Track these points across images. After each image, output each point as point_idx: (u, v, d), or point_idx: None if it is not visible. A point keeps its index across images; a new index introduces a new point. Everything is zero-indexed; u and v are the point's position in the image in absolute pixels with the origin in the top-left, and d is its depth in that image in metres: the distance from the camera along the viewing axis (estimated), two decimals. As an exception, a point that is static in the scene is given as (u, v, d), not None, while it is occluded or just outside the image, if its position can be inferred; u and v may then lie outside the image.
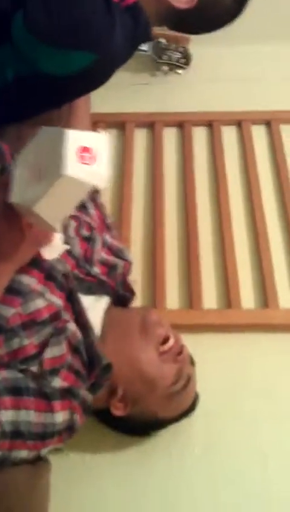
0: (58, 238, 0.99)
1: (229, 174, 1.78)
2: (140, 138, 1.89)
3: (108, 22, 1.12)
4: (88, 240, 1.21)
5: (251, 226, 1.66)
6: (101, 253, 1.24)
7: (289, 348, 1.42)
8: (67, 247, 1.06)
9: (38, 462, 1.01)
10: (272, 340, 1.43)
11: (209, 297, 1.50)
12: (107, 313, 1.16)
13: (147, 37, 1.28)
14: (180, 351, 1.15)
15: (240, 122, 1.91)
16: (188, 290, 1.51)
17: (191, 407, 1.20)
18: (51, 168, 0.81)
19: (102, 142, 0.83)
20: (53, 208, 0.83)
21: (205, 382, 1.24)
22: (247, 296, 1.51)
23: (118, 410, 1.13)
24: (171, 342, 1.14)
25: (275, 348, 1.42)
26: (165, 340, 1.14)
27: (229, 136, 1.90)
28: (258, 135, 1.90)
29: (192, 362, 1.21)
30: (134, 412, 1.13)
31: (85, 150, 0.80)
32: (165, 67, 2.03)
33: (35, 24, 1.08)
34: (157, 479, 1.22)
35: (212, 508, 1.19)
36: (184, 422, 1.22)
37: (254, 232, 1.63)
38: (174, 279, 1.54)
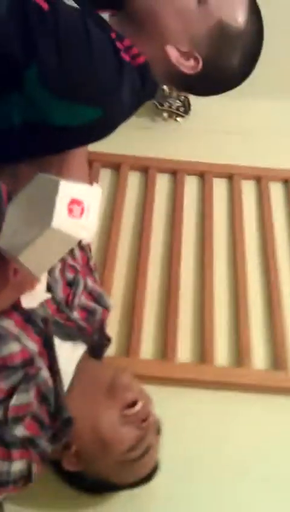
0: (41, 286, 0.98)
1: (216, 227, 1.80)
2: (134, 181, 1.91)
3: (118, 80, 1.14)
4: (71, 284, 1.20)
5: (232, 281, 1.67)
6: (82, 297, 1.24)
7: (258, 409, 1.41)
8: (48, 296, 1.05)
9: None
10: (242, 400, 1.42)
11: (184, 350, 1.50)
12: (81, 363, 1.14)
13: (152, 96, 1.30)
14: (145, 417, 1.09)
15: (231, 176, 1.94)
16: (163, 341, 1.51)
17: (148, 477, 1.15)
18: (40, 218, 0.81)
19: (94, 195, 0.84)
20: (38, 258, 0.83)
21: (171, 436, 1.21)
22: (221, 353, 1.51)
23: (69, 465, 1.10)
24: (137, 406, 1.09)
25: (245, 408, 1.41)
26: (133, 404, 1.09)
27: (219, 188, 1.93)
28: (248, 190, 1.93)
29: (158, 431, 1.16)
30: (86, 470, 1.11)
31: (76, 202, 0.81)
32: (165, 114, 2.07)
33: (48, 78, 1.10)
34: None
35: None
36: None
37: (235, 288, 1.64)
38: (150, 328, 1.54)
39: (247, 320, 1.56)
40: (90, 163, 1.83)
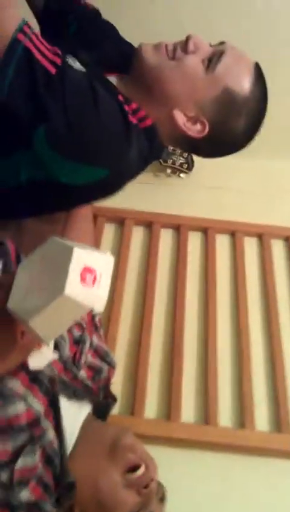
0: (48, 347, 0.98)
1: (219, 283, 1.81)
2: (137, 235, 1.93)
3: (125, 142, 1.16)
4: (78, 343, 1.20)
5: (235, 342, 1.67)
6: (88, 356, 1.23)
7: (261, 472, 1.40)
8: (56, 356, 1.05)
9: None
10: (245, 462, 1.41)
11: (188, 411, 1.49)
12: (85, 423, 1.13)
13: (159, 157, 1.33)
14: (147, 484, 1.06)
15: (234, 232, 1.96)
16: (167, 401, 1.50)
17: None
18: (52, 284, 0.80)
19: (106, 263, 0.84)
20: (48, 324, 0.82)
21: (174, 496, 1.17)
22: (224, 414, 1.50)
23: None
24: (140, 471, 1.05)
25: (247, 470, 1.40)
26: (135, 468, 1.06)
27: (222, 243, 1.95)
28: (250, 246, 1.95)
29: (162, 499, 1.12)
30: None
31: (89, 271, 0.80)
32: (169, 171, 2.10)
33: (56, 140, 1.12)
34: None
35: None
36: None
37: (238, 348, 1.65)
38: (154, 388, 1.53)
39: (250, 381, 1.55)
40: (94, 218, 1.86)
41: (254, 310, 1.77)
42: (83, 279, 0.79)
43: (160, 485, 1.13)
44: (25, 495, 0.96)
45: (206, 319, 1.70)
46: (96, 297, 0.81)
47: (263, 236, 1.96)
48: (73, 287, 0.78)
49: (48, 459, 1.01)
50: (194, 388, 1.55)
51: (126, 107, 1.19)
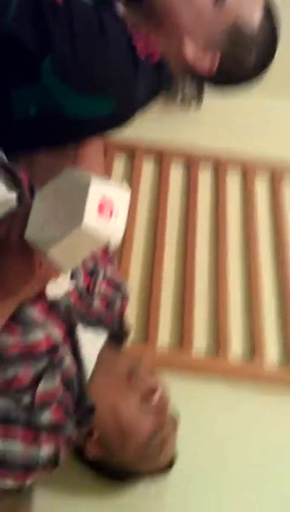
0: (65, 276, 1.00)
1: (230, 214, 1.82)
2: (148, 166, 1.92)
3: (132, 73, 1.15)
4: (92, 274, 1.22)
5: (245, 273, 1.69)
6: (102, 286, 1.25)
7: (272, 401, 1.44)
8: (72, 286, 1.07)
9: (22, 490, 1.02)
10: (256, 391, 1.45)
11: (200, 340, 1.52)
12: (102, 352, 1.16)
13: (167, 90, 1.31)
14: (163, 407, 1.13)
15: (245, 167, 1.95)
16: (179, 330, 1.53)
17: (167, 468, 1.19)
18: (70, 215, 0.81)
19: (123, 195, 0.84)
20: (66, 254, 0.83)
21: (187, 425, 1.22)
22: (235, 345, 1.53)
23: (92, 452, 1.13)
24: (157, 394, 1.12)
25: (259, 399, 1.44)
26: (152, 393, 1.12)
27: (233, 176, 1.94)
28: (261, 182, 1.94)
29: (175, 424, 1.18)
30: (107, 458, 1.14)
31: (106, 202, 0.80)
32: (179, 102, 2.05)
33: (62, 69, 1.11)
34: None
35: None
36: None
37: (248, 280, 1.66)
38: (167, 316, 1.56)
39: (260, 311, 1.58)
40: (104, 149, 1.84)
41: (264, 241, 1.78)
42: (100, 210, 0.79)
43: (173, 413, 1.18)
44: (47, 417, 1.00)
45: (217, 250, 1.71)
46: (113, 230, 0.81)
47: (275, 171, 1.95)
48: (91, 218, 0.78)
49: (67, 384, 1.05)
50: (207, 317, 1.58)
51: (134, 37, 1.17)
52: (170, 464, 1.18)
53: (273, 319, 1.60)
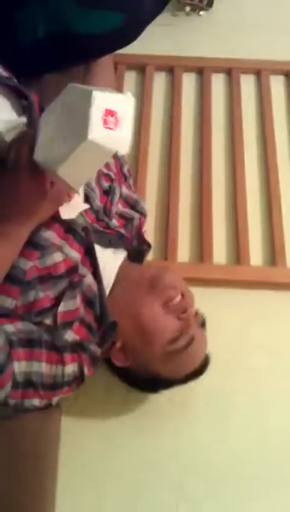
0: (78, 197, 0.99)
1: (245, 124, 1.77)
2: (159, 81, 1.86)
3: None
4: (108, 193, 1.21)
5: (263, 183, 1.66)
6: (118, 205, 1.25)
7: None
8: (86, 206, 1.06)
9: (50, 408, 1.06)
10: (278, 298, 1.46)
11: (219, 253, 1.52)
12: (122, 268, 1.17)
13: None
14: (185, 309, 1.12)
15: (259, 71, 1.88)
16: (199, 244, 1.53)
17: (198, 371, 1.18)
18: (75, 130, 0.80)
19: (127, 105, 0.82)
20: (76, 171, 0.83)
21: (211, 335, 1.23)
22: (256, 253, 1.53)
23: (118, 361, 1.14)
24: (178, 298, 1.13)
25: (281, 305, 1.45)
26: (173, 296, 1.12)
27: (247, 83, 1.87)
28: (277, 85, 1.87)
29: (203, 324, 1.19)
30: (136, 366, 1.15)
31: (110, 113, 0.79)
32: (188, 8, 1.98)
33: None
34: (166, 431, 1.26)
35: (218, 463, 1.24)
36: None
37: (267, 190, 1.64)
38: (186, 232, 1.56)
39: (280, 220, 1.57)
40: (114, 66, 1.79)
41: (282, 147, 1.74)
42: (105, 122, 0.78)
43: (198, 312, 1.19)
44: (70, 335, 1.04)
45: (234, 161, 1.68)
46: (120, 140, 0.80)
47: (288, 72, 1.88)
48: (96, 131, 0.78)
49: (88, 302, 1.07)
50: (225, 230, 1.57)
51: None
52: (200, 369, 1.18)
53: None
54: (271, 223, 1.57)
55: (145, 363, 1.14)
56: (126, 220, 1.26)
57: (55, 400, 1.05)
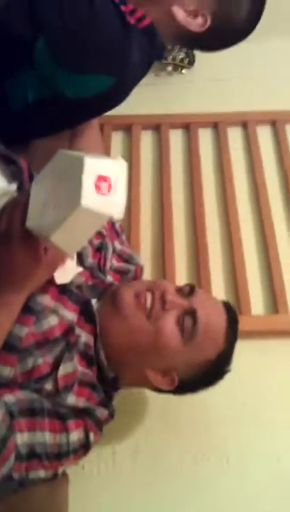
0: (71, 260, 0.99)
1: (236, 176, 1.79)
2: (146, 140, 1.89)
3: (125, 46, 1.12)
4: (100, 249, 1.21)
5: (258, 230, 1.67)
6: (113, 261, 1.24)
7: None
8: (80, 269, 1.06)
9: (56, 478, 1.02)
10: (283, 346, 1.44)
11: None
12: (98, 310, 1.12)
13: (161, 57, 1.28)
14: (163, 299, 1.07)
15: (245, 123, 1.92)
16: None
17: (229, 309, 1.14)
18: (68, 197, 0.80)
19: (119, 169, 0.82)
20: (69, 237, 0.83)
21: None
22: (257, 302, 1.52)
23: (166, 384, 1.10)
24: (148, 299, 1.07)
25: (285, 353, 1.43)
26: (143, 299, 1.08)
27: (234, 136, 1.90)
28: (264, 135, 1.91)
29: (191, 292, 1.12)
30: (185, 374, 1.09)
31: (103, 179, 0.79)
32: (170, 68, 2.03)
33: (56, 51, 1.09)
34: (176, 488, 1.23)
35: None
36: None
37: (262, 236, 1.65)
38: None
39: (279, 266, 1.57)
40: (101, 127, 1.82)
41: (275, 199, 1.75)
42: (98, 188, 0.78)
43: (180, 286, 1.14)
44: (72, 399, 1.01)
45: (227, 214, 1.69)
46: (113, 205, 0.80)
47: (276, 122, 1.91)
48: (89, 197, 0.77)
49: (87, 361, 1.05)
50: (223, 281, 1.57)
51: (123, 8, 1.15)
52: (230, 312, 1.14)
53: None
54: (270, 272, 1.57)
55: (186, 365, 1.09)
56: (122, 274, 1.25)
57: (61, 469, 1.01)
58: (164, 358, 1.07)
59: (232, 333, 1.12)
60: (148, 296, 1.08)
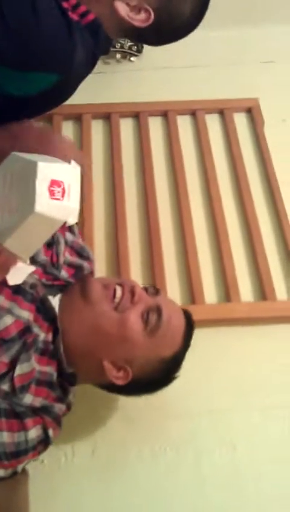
0: (23, 261, 0.98)
1: (187, 164, 1.80)
2: (97, 129, 1.88)
3: (69, 42, 1.11)
4: (51, 245, 1.20)
5: (210, 219, 1.69)
6: (66, 255, 1.24)
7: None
8: (33, 268, 1.05)
9: (15, 475, 1.03)
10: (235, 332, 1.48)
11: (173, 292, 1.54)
12: (61, 302, 1.14)
13: (107, 51, 1.28)
14: (132, 292, 1.12)
15: (195, 111, 1.93)
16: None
17: (187, 315, 1.19)
18: (21, 203, 0.79)
19: (72, 174, 0.82)
20: (24, 242, 0.82)
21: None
22: (210, 292, 1.55)
23: (121, 380, 1.12)
24: (118, 291, 1.11)
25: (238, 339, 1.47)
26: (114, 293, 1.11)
27: (184, 124, 1.91)
28: (212, 123, 1.92)
29: (156, 292, 1.17)
30: (138, 371, 1.11)
31: (56, 184, 0.78)
32: (119, 56, 2.02)
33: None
34: (139, 482, 1.25)
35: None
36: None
37: (214, 226, 1.67)
38: (138, 278, 1.56)
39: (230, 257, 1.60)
40: (50, 118, 1.81)
41: (225, 187, 1.77)
42: (51, 193, 0.77)
43: (147, 286, 1.19)
44: (29, 398, 1.01)
45: (179, 204, 1.70)
46: (68, 210, 0.79)
47: (224, 111, 1.93)
48: (42, 203, 0.77)
49: (48, 357, 1.06)
50: (177, 272, 1.59)
51: (65, 4, 1.13)
52: (188, 318, 1.18)
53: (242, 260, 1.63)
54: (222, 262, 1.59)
55: (144, 361, 1.11)
56: (75, 268, 1.25)
57: (20, 466, 1.02)
58: (123, 350, 1.09)
59: (188, 337, 1.17)
60: (118, 289, 1.12)
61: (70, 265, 1.24)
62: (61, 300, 1.14)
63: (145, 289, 1.17)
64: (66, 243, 1.25)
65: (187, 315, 1.19)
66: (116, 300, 1.10)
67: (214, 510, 1.23)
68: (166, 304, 1.15)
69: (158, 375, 1.15)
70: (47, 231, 0.83)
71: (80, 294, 1.11)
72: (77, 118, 1.88)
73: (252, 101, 1.96)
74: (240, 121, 1.93)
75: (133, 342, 1.09)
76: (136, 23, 1.20)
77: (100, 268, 1.48)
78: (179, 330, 1.15)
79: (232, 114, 1.93)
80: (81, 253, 1.29)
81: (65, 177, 0.79)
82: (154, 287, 1.19)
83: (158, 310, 1.11)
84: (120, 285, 1.13)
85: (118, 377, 1.11)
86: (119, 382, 1.12)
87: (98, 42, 1.20)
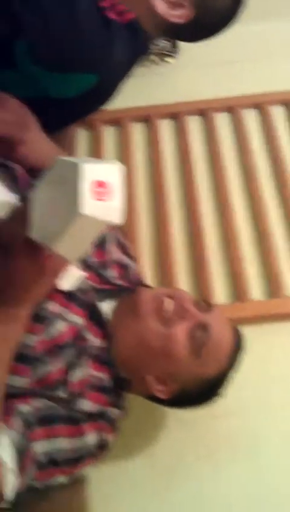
0: (75, 266, 0.99)
1: (227, 162, 1.81)
2: (137, 133, 1.90)
3: (107, 40, 1.11)
4: (100, 245, 1.21)
5: (250, 214, 1.70)
6: (116, 253, 1.25)
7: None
8: (85, 274, 1.06)
9: (75, 481, 1.04)
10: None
11: (219, 292, 1.55)
12: (115, 311, 1.14)
13: (147, 50, 1.27)
14: (180, 307, 1.09)
15: (232, 108, 1.93)
16: (197, 287, 1.54)
17: (237, 348, 1.14)
18: (67, 206, 0.80)
19: (116, 173, 0.82)
20: (72, 245, 0.83)
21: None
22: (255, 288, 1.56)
23: (163, 393, 1.12)
24: (168, 305, 1.09)
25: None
26: (162, 305, 1.09)
27: (222, 122, 1.92)
28: (250, 119, 1.92)
29: (209, 306, 1.15)
30: (182, 386, 1.11)
31: (100, 184, 0.79)
32: (154, 57, 2.02)
33: (38, 54, 1.08)
34: (194, 486, 1.26)
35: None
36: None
37: (254, 221, 1.68)
38: (182, 277, 1.57)
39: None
40: (91, 124, 1.84)
41: (265, 183, 1.77)
42: (95, 194, 0.78)
43: (198, 300, 1.15)
44: (85, 404, 1.02)
45: (221, 204, 1.71)
46: (113, 210, 0.80)
47: (262, 105, 1.93)
48: (87, 204, 0.77)
49: (102, 363, 1.07)
50: (222, 269, 1.60)
51: (103, 3, 1.13)
52: (238, 339, 1.16)
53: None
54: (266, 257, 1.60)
55: (187, 378, 1.11)
56: (123, 267, 1.25)
57: (79, 472, 1.03)
58: (167, 365, 1.09)
59: (235, 358, 1.14)
60: (168, 302, 1.10)
61: (118, 263, 1.25)
62: (114, 309, 1.14)
63: (197, 302, 1.14)
64: (113, 240, 1.26)
65: (238, 335, 1.17)
66: (165, 314, 1.09)
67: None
68: (216, 322, 1.11)
69: (201, 393, 1.14)
70: (94, 232, 0.84)
71: (130, 307, 1.11)
72: (117, 122, 1.90)
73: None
74: (278, 114, 1.93)
75: (178, 358, 1.07)
76: (174, 20, 1.19)
77: (144, 271, 1.50)
78: (226, 350, 1.13)
79: (269, 107, 1.92)
80: (127, 251, 1.29)
81: (109, 177, 0.79)
82: (207, 302, 1.17)
83: (206, 328, 1.08)
84: (170, 297, 1.11)
85: (160, 391, 1.12)
86: (161, 396, 1.12)
87: (137, 42, 1.20)
